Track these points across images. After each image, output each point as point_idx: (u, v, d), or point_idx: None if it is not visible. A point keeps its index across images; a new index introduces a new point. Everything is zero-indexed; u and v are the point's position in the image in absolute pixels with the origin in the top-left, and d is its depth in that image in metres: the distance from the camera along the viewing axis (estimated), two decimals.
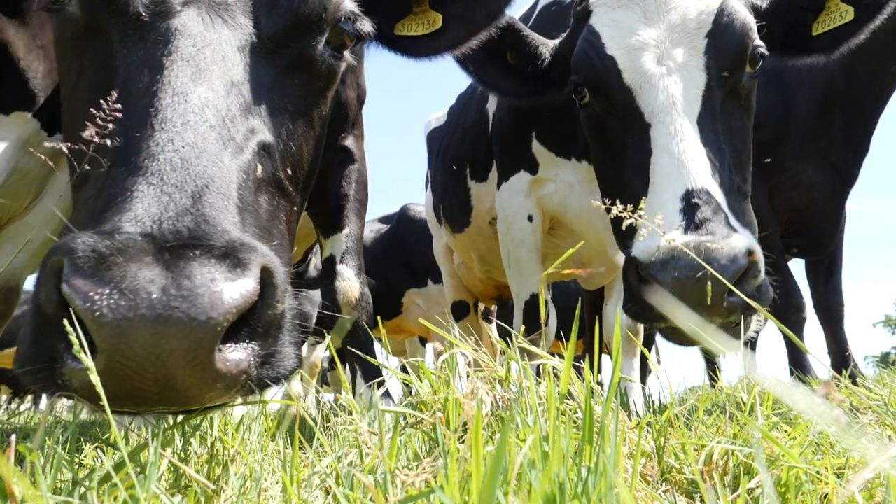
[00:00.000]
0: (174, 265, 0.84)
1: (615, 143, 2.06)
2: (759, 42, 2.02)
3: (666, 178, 1.79)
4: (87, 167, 1.08)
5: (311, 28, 1.37)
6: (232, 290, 0.85)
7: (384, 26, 1.81)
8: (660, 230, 1.62)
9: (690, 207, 1.71)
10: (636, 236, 1.78)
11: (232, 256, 0.88)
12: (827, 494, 1.00)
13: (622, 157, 2.01)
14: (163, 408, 0.88)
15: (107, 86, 1.17)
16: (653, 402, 2.75)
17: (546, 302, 2.08)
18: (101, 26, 1.23)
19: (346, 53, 1.51)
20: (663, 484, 1.13)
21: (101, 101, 1.15)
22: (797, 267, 3.94)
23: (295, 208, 1.36)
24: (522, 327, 2.05)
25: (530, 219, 3.00)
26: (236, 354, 0.88)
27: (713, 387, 3.65)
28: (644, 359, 4.93)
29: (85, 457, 1.36)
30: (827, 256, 3.81)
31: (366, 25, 1.57)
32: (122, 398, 0.85)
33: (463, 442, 1.00)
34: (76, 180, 1.13)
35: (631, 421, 1.34)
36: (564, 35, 2.39)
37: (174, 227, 0.90)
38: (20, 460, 0.96)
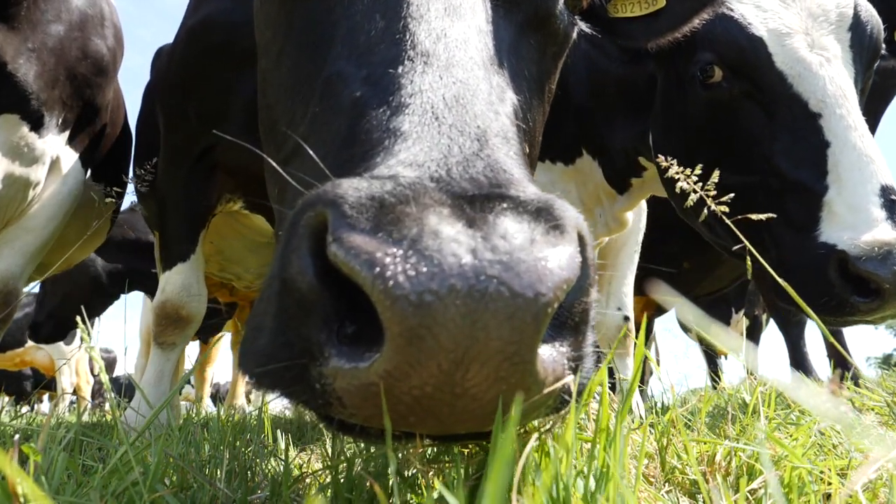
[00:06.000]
0: (482, 221, 0.60)
1: (755, 129, 2.00)
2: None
3: (857, 173, 1.77)
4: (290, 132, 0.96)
5: None
6: (559, 257, 0.60)
7: (597, 6, 1.62)
8: (863, 223, 1.65)
9: (890, 204, 1.72)
10: (820, 224, 1.78)
11: (546, 213, 0.64)
12: (830, 495, 1.00)
13: (768, 145, 1.95)
14: (448, 432, 0.65)
15: (327, 38, 1.03)
16: (655, 403, 2.75)
17: None
18: None
19: (579, 20, 1.32)
20: (666, 484, 1.13)
21: (318, 58, 1.00)
22: None
23: None
24: None
25: None
26: (552, 354, 0.64)
27: (715, 388, 3.65)
28: (644, 360, 4.92)
29: (88, 458, 1.36)
30: None
31: None
32: (403, 415, 0.61)
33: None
34: (298, 139, 0.98)
35: (633, 421, 1.34)
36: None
37: (467, 172, 0.68)
38: (23, 461, 0.95)
